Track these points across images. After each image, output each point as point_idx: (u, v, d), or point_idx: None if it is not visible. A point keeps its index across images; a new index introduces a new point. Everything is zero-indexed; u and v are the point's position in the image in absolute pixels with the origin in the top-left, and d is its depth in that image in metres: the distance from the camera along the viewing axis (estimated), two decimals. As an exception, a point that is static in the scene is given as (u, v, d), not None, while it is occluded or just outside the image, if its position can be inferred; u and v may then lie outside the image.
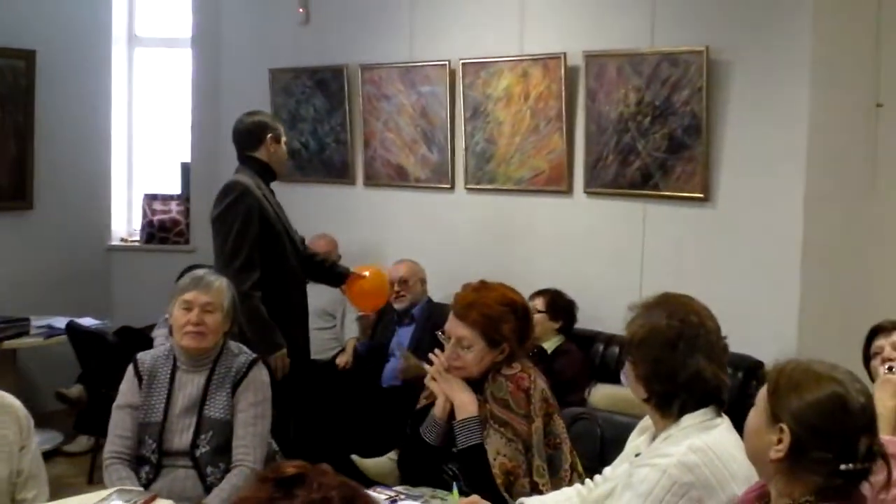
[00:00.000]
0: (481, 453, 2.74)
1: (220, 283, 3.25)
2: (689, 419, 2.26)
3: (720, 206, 4.48)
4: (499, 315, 2.84)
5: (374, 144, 5.83)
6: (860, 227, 4.39)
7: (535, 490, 2.70)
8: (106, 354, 5.09)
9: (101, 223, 6.52)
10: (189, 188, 6.53)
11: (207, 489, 3.04)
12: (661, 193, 4.63)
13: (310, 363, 4.48)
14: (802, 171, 4.21)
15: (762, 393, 1.97)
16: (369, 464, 3.15)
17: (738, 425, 2.25)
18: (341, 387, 5.05)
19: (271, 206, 4.17)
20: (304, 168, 6.14)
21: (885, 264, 4.42)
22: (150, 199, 6.56)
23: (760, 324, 4.14)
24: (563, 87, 4.88)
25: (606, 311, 4.72)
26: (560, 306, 4.73)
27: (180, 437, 3.10)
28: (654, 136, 4.60)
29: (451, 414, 2.86)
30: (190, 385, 3.17)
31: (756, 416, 1.98)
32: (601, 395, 4.07)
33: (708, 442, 2.20)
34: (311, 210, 5.81)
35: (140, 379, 3.17)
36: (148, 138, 6.77)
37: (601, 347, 4.72)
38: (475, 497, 2.58)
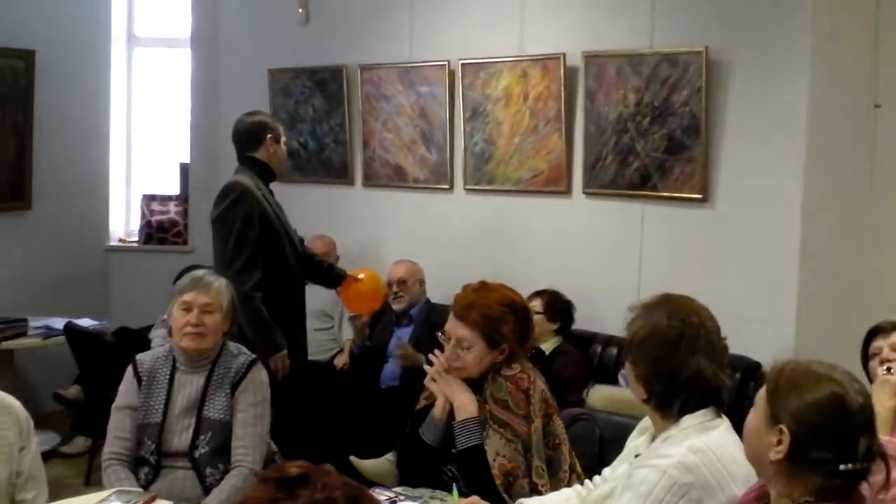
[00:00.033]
0: (481, 454, 2.74)
1: (220, 283, 3.26)
2: (688, 420, 2.26)
3: (719, 207, 4.48)
4: (499, 316, 2.85)
5: (373, 145, 5.83)
6: (858, 227, 4.39)
7: (535, 491, 2.70)
8: (104, 355, 5.09)
9: (100, 224, 6.52)
10: (188, 189, 6.52)
11: (206, 490, 3.04)
12: (660, 194, 4.63)
13: (308, 364, 4.48)
14: (801, 172, 4.22)
15: (761, 394, 1.98)
16: (368, 465, 3.14)
17: (736, 426, 2.26)
18: (339, 388, 5.05)
19: (271, 206, 4.18)
20: (303, 168, 6.14)
21: (883, 265, 4.42)
22: (149, 199, 6.56)
23: (758, 325, 4.14)
24: (563, 88, 4.89)
25: (605, 311, 4.72)
26: (558, 307, 4.74)
27: (179, 437, 3.10)
28: (652, 137, 4.60)
29: (451, 415, 2.86)
30: (189, 386, 3.17)
31: (755, 417, 1.98)
32: (599, 395, 4.07)
33: (708, 443, 2.20)
34: (309, 210, 5.81)
35: (139, 380, 3.17)
36: (147, 139, 6.77)
37: (599, 348, 4.73)
38: (475, 498, 2.58)
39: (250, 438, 3.11)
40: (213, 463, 3.08)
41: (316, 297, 4.97)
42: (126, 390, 3.18)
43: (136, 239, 6.63)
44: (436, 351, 2.95)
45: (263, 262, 4.05)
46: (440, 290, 5.07)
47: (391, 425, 3.77)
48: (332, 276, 4.57)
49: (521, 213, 5.23)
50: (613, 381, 4.37)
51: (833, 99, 4.27)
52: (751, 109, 4.35)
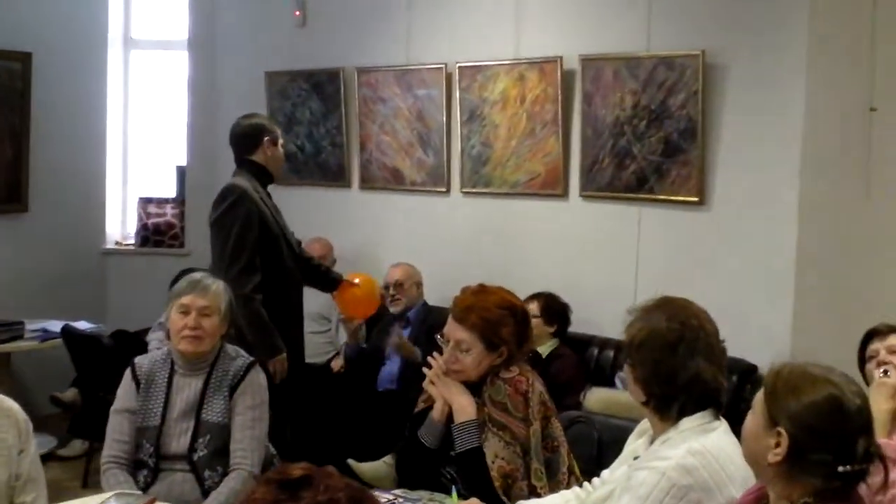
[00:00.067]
0: (479, 456, 2.75)
1: (217, 286, 3.25)
2: (687, 422, 2.27)
3: (715, 210, 4.50)
4: (498, 319, 2.85)
5: (369, 147, 5.84)
6: (854, 230, 4.41)
7: (533, 493, 2.70)
8: (101, 358, 5.08)
9: (96, 226, 6.52)
10: (184, 191, 6.52)
11: (205, 493, 3.03)
12: (657, 197, 4.65)
13: (305, 367, 4.48)
14: (797, 175, 4.24)
15: (759, 397, 1.98)
16: (365, 468, 3.14)
17: (733, 428, 2.27)
18: (336, 391, 5.05)
19: (269, 209, 4.18)
20: (299, 171, 6.14)
21: (879, 268, 4.44)
22: (145, 202, 6.56)
23: (755, 327, 4.15)
24: (560, 91, 4.90)
25: (601, 314, 4.74)
26: (554, 310, 4.74)
27: (178, 440, 3.10)
28: (649, 140, 4.62)
29: (450, 417, 2.86)
30: (187, 389, 3.16)
31: (753, 419, 1.98)
32: (596, 398, 4.07)
33: (706, 445, 2.21)
34: (306, 213, 5.81)
35: (137, 383, 3.17)
36: (143, 141, 6.76)
37: (596, 351, 4.74)
38: (474, 500, 2.59)
39: (249, 441, 3.10)
40: (212, 465, 3.08)
41: (313, 299, 4.98)
42: (124, 393, 3.17)
43: (132, 242, 6.62)
44: (434, 353, 2.95)
45: (262, 264, 4.06)
46: (437, 293, 5.08)
47: (389, 428, 3.78)
48: (328, 280, 4.58)
49: (517, 216, 5.24)
50: (610, 384, 4.38)
51: (829, 102, 4.29)
52: (747, 112, 4.37)
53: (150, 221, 6.52)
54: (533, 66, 5.02)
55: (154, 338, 5.19)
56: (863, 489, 1.91)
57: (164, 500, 2.89)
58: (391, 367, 4.99)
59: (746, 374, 4.10)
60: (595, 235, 4.94)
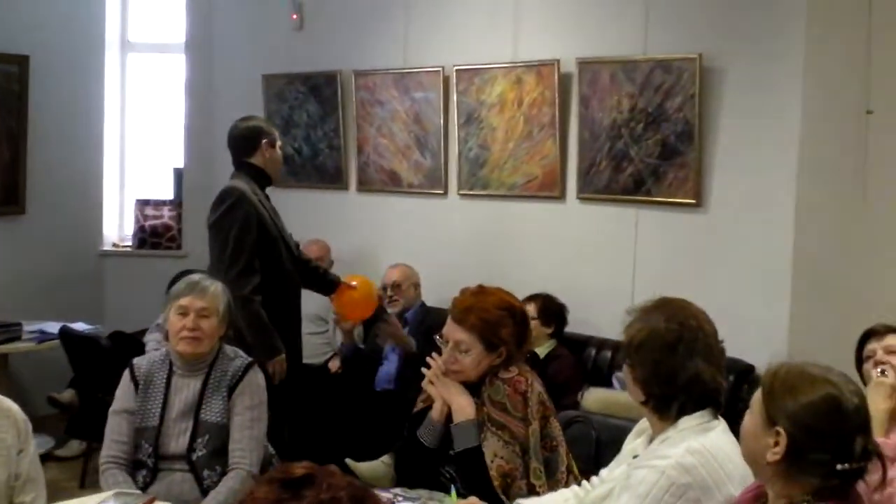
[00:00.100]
0: (478, 456, 2.76)
1: (216, 287, 3.26)
2: (686, 421, 2.28)
3: (712, 212, 4.51)
4: (497, 319, 2.86)
5: (367, 150, 5.84)
6: (850, 232, 4.42)
7: (532, 492, 2.72)
8: (99, 359, 5.09)
9: (94, 228, 6.52)
10: (182, 193, 6.52)
11: (204, 492, 3.04)
12: (654, 199, 4.66)
13: (303, 368, 4.49)
14: (793, 177, 4.26)
15: (757, 396, 1.99)
16: (363, 467, 3.15)
17: (730, 428, 2.28)
18: (335, 391, 5.05)
19: (267, 211, 4.19)
20: (297, 173, 6.15)
21: (876, 268, 4.45)
22: (142, 204, 6.56)
23: (751, 328, 4.16)
24: (557, 94, 4.91)
25: (598, 315, 4.75)
26: (552, 311, 4.75)
27: (177, 441, 3.11)
28: (646, 143, 4.63)
29: (449, 417, 2.88)
30: (186, 389, 3.17)
31: (752, 419, 2.00)
32: (593, 398, 4.09)
33: (705, 444, 2.22)
34: (304, 215, 5.81)
35: (136, 384, 3.18)
36: (140, 143, 6.76)
37: (593, 352, 4.76)
38: (473, 499, 2.60)
39: (247, 441, 3.11)
40: (211, 465, 3.09)
41: (310, 301, 4.97)
42: (123, 394, 3.18)
43: (129, 243, 6.62)
44: (433, 354, 2.96)
45: (261, 266, 4.06)
46: (435, 295, 5.09)
47: (386, 428, 3.79)
48: (326, 283, 4.58)
49: (515, 218, 5.25)
50: (608, 384, 4.39)
51: (825, 105, 4.31)
52: (744, 115, 4.39)
53: (148, 223, 6.53)
54: (530, 69, 5.04)
55: (151, 339, 5.18)
56: (861, 487, 1.92)
57: (163, 500, 2.90)
58: (388, 367, 5.00)
59: (743, 374, 4.11)
60: (592, 237, 4.95)
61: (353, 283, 4.60)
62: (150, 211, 6.55)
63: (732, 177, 4.43)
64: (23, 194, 6.03)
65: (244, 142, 4.29)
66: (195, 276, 3.34)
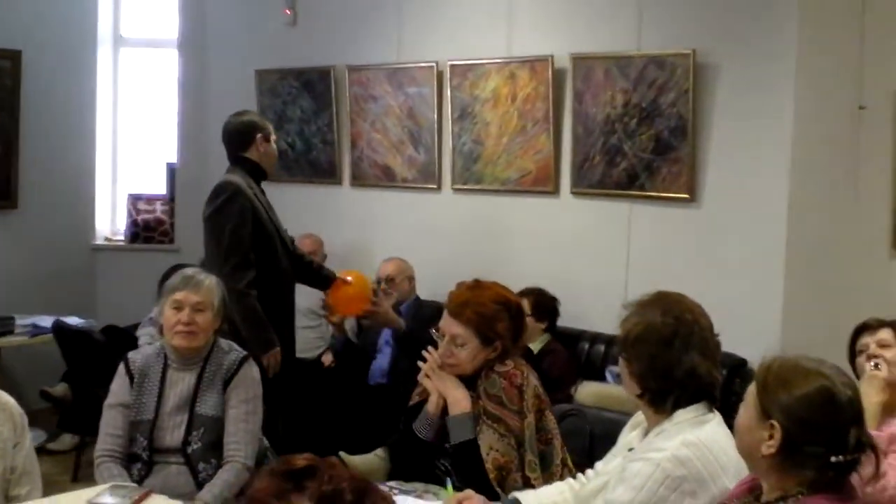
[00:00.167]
0: (474, 449, 2.77)
1: (210, 281, 3.26)
2: (681, 414, 2.30)
3: (705, 207, 4.53)
4: (493, 313, 2.88)
5: (360, 145, 5.85)
6: (843, 227, 4.45)
7: (528, 484, 2.73)
8: (93, 353, 5.08)
9: (86, 222, 6.51)
10: (174, 188, 6.52)
11: (199, 485, 3.05)
12: (647, 194, 4.68)
13: (296, 361, 4.49)
14: (786, 172, 4.28)
15: (751, 390, 2.01)
16: (357, 461, 3.15)
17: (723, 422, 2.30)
18: (328, 385, 5.06)
19: (262, 206, 4.19)
20: (290, 168, 6.14)
21: (868, 263, 4.49)
22: (135, 199, 6.55)
23: (744, 323, 4.18)
24: (551, 89, 4.92)
25: (592, 310, 4.76)
26: (545, 306, 4.76)
27: (172, 434, 3.12)
28: (640, 138, 4.64)
29: (445, 410, 2.89)
30: (181, 383, 3.18)
31: (746, 413, 2.01)
32: (587, 392, 4.11)
33: (700, 437, 2.24)
34: (297, 210, 5.79)
35: (131, 378, 3.18)
36: (133, 138, 6.75)
37: (586, 346, 4.78)
38: (468, 491, 2.61)
39: (242, 434, 3.12)
40: (206, 458, 3.10)
41: (304, 295, 4.97)
42: (118, 388, 3.18)
43: (122, 238, 6.62)
44: (429, 347, 2.97)
45: (256, 261, 4.07)
46: (428, 289, 5.11)
47: (380, 421, 3.79)
48: (321, 278, 4.57)
49: (509, 213, 5.25)
50: (601, 378, 4.41)
51: (818, 100, 4.33)
52: (737, 111, 4.41)
53: (140, 218, 6.52)
54: (524, 64, 5.04)
55: (144, 333, 5.19)
56: (855, 479, 1.94)
57: (158, 493, 2.90)
58: (382, 361, 5.01)
59: (736, 367, 4.13)
60: (586, 232, 4.96)
61: (348, 278, 4.60)
62: (142, 205, 6.54)
63: (726, 171, 4.45)
64: (15, 189, 6.02)
65: (239, 136, 4.29)
66: (189, 271, 3.34)
